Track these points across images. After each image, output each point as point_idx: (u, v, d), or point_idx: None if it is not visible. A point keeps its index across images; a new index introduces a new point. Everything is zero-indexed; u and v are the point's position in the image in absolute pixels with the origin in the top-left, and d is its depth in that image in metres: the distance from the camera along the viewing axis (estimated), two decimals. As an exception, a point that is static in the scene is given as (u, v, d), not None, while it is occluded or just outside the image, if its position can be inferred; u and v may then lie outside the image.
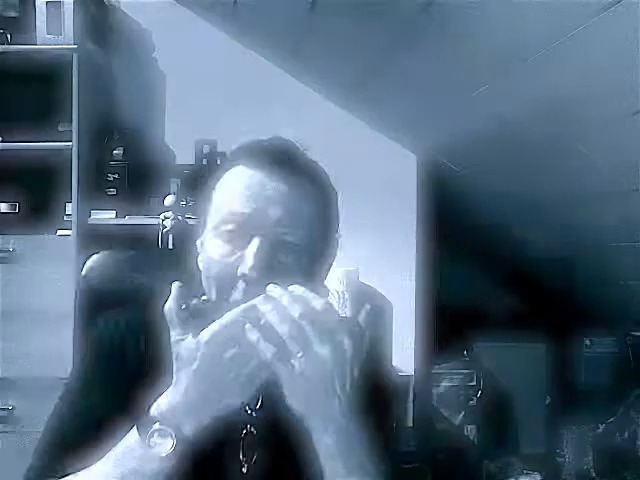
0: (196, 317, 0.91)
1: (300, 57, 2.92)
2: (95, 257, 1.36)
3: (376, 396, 1.03)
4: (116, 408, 0.96)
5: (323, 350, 0.87)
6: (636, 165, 1.98)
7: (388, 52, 2.36)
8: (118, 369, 1.03)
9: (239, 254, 0.98)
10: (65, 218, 2.73)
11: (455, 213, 3.31)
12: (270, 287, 0.90)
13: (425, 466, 2.95)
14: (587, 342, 3.41)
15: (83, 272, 1.35)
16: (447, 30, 2.02)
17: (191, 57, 3.03)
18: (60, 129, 2.75)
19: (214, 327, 0.89)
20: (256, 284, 0.94)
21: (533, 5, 1.65)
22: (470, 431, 3.29)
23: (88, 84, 2.75)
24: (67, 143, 2.68)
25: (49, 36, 2.71)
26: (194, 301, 0.94)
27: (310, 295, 0.90)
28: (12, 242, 2.67)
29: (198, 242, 1.06)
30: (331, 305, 0.91)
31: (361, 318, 0.96)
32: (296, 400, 0.89)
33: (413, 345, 3.14)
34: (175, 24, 3.03)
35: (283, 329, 0.87)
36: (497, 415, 3.34)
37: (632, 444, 3.05)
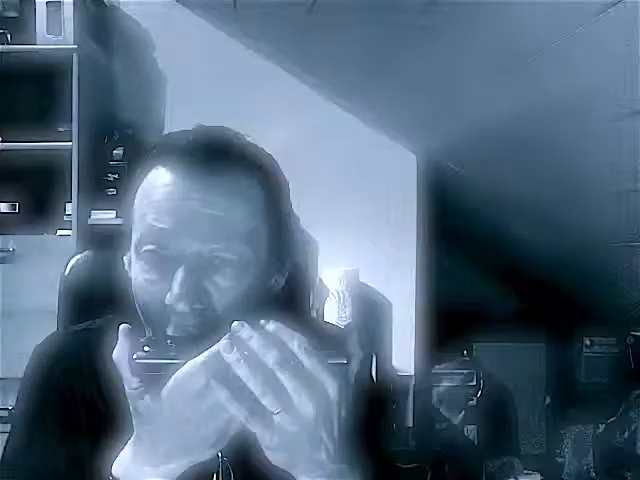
0: (150, 371, 0.77)
1: (300, 57, 2.92)
2: (78, 256, 1.30)
3: (372, 399, 0.96)
4: (67, 462, 0.87)
5: (304, 402, 0.73)
6: (636, 165, 1.97)
7: (388, 52, 2.36)
8: (68, 411, 0.91)
9: (165, 280, 0.83)
10: (65, 218, 2.73)
11: (455, 213, 3.31)
12: (236, 325, 0.74)
13: (425, 466, 2.95)
14: (587, 342, 3.41)
15: (65, 272, 1.29)
16: (447, 31, 2.02)
17: (191, 57, 3.03)
18: (60, 129, 2.74)
19: (173, 383, 0.76)
20: (190, 316, 0.82)
21: (533, 5, 1.65)
22: (470, 431, 3.29)
23: (88, 84, 2.74)
24: (67, 143, 2.68)
25: (49, 36, 2.71)
26: (145, 350, 0.78)
27: (286, 332, 0.74)
28: (12, 242, 2.67)
29: (125, 258, 0.91)
30: (310, 342, 0.75)
31: (351, 343, 0.78)
32: (276, 457, 0.76)
33: (413, 345, 3.14)
34: (175, 24, 3.03)
35: (255, 384, 0.72)
36: (497, 415, 3.34)
37: (632, 444, 3.05)
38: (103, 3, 2.97)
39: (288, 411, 0.73)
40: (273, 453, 0.76)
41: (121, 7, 3.05)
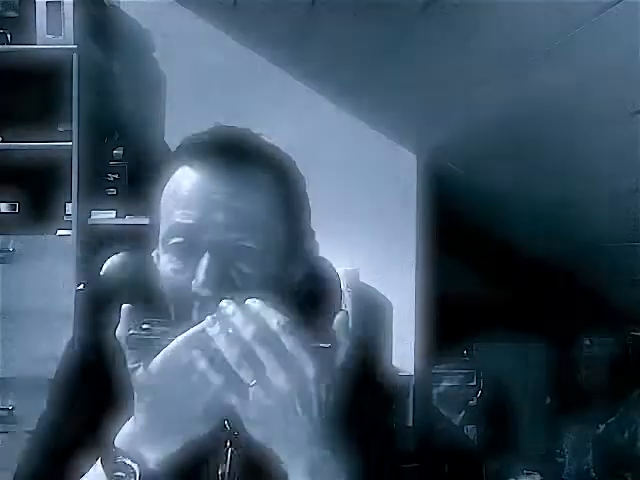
0: (144, 345, 0.82)
1: (300, 57, 2.92)
2: (115, 257, 1.31)
3: (373, 397, 0.99)
4: (84, 436, 0.90)
5: (278, 376, 0.77)
6: (636, 165, 1.97)
7: (388, 52, 2.36)
8: (88, 389, 0.96)
9: (191, 269, 0.88)
10: (65, 218, 2.73)
11: (455, 213, 3.31)
12: (223, 303, 0.80)
13: (425, 466, 2.95)
14: (587, 342, 3.41)
15: (102, 271, 1.29)
16: (447, 31, 2.02)
17: (191, 57, 3.03)
18: (60, 129, 2.74)
19: (162, 356, 0.81)
20: (213, 302, 0.84)
21: (533, 5, 1.65)
22: (470, 431, 3.29)
23: (88, 84, 2.74)
24: (67, 143, 2.68)
25: (49, 36, 2.71)
26: (142, 326, 0.83)
27: (269, 311, 0.79)
28: (12, 242, 2.67)
29: (154, 254, 0.96)
30: (292, 321, 0.79)
31: (337, 326, 0.82)
32: (255, 430, 0.80)
33: (413, 345, 3.13)
34: (175, 24, 3.03)
35: (232, 355, 0.77)
36: (497, 415, 3.34)
37: (632, 444, 3.05)
38: (103, 3, 2.97)
39: (262, 384, 0.77)
40: (251, 426, 0.80)
41: (121, 7, 3.05)
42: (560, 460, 3.23)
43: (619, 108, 1.87)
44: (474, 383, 3.31)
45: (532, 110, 2.18)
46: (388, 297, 3.12)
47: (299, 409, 0.78)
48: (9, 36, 2.75)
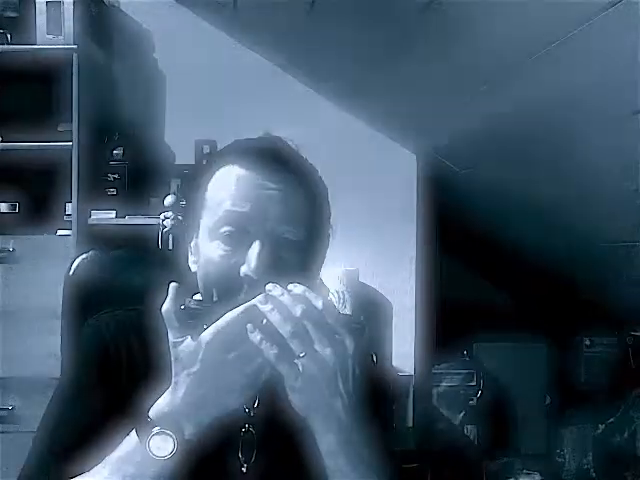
0: (194, 319, 0.90)
1: (300, 57, 2.92)
2: (84, 256, 1.35)
3: (375, 396, 1.03)
4: (112, 410, 0.96)
5: (325, 349, 0.87)
6: (636, 165, 1.98)
7: (388, 52, 2.36)
8: (113, 371, 1.02)
9: (240, 255, 0.97)
10: (65, 218, 2.73)
11: (455, 213, 3.31)
12: (269, 286, 0.89)
13: (425, 466, 2.95)
14: (587, 342, 3.41)
15: (71, 271, 1.35)
16: (447, 30, 2.02)
17: (191, 57, 3.03)
18: (60, 129, 2.75)
19: (214, 329, 0.88)
20: (261, 284, 0.92)
21: (533, 5, 1.65)
22: (470, 431, 3.29)
23: (88, 84, 2.74)
24: (67, 143, 2.68)
25: (49, 36, 2.71)
26: (192, 302, 0.92)
27: (311, 294, 0.89)
28: (12, 242, 2.67)
29: (192, 244, 1.05)
30: (331, 303, 0.90)
31: (361, 315, 0.95)
32: (298, 399, 0.89)
33: (413, 345, 3.13)
34: (175, 24, 3.03)
35: (285, 329, 0.86)
36: (497, 415, 3.34)
37: (632, 444, 3.05)
38: (103, 3, 2.97)
39: (312, 356, 0.86)
40: (296, 395, 0.88)
41: (121, 7, 3.05)
42: (560, 460, 3.23)
43: (619, 108, 1.87)
44: (474, 383, 3.31)
45: (532, 110, 2.18)
46: (388, 297, 3.12)
47: (339, 380, 0.87)
48: (9, 36, 2.75)
